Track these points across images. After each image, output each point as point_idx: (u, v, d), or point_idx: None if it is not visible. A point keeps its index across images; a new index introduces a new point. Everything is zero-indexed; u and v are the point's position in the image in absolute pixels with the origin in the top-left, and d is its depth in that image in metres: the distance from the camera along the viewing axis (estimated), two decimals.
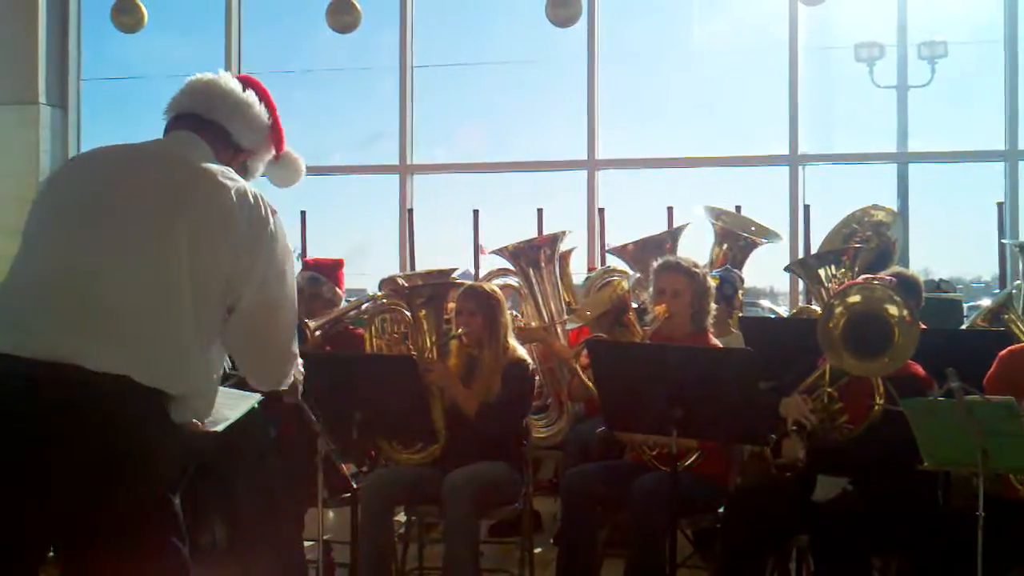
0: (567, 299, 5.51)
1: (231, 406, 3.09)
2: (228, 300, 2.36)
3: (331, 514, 4.76)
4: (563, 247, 5.69)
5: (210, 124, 2.48)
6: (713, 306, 4.24)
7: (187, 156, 2.39)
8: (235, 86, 2.55)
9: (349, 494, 3.75)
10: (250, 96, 2.55)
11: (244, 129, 2.53)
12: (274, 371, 2.58)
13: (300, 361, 2.66)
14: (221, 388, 2.99)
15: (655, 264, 4.30)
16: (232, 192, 2.32)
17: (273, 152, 2.65)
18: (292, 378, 2.63)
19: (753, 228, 5.95)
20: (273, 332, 2.47)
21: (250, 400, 3.19)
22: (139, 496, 2.21)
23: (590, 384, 4.37)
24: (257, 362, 2.55)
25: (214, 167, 2.38)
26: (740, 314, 5.03)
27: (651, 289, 4.27)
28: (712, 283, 4.24)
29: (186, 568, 2.30)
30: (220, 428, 2.93)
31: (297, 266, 6.63)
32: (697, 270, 4.20)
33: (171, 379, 2.25)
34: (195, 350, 2.31)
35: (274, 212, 2.40)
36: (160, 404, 2.25)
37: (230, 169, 2.42)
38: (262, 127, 2.58)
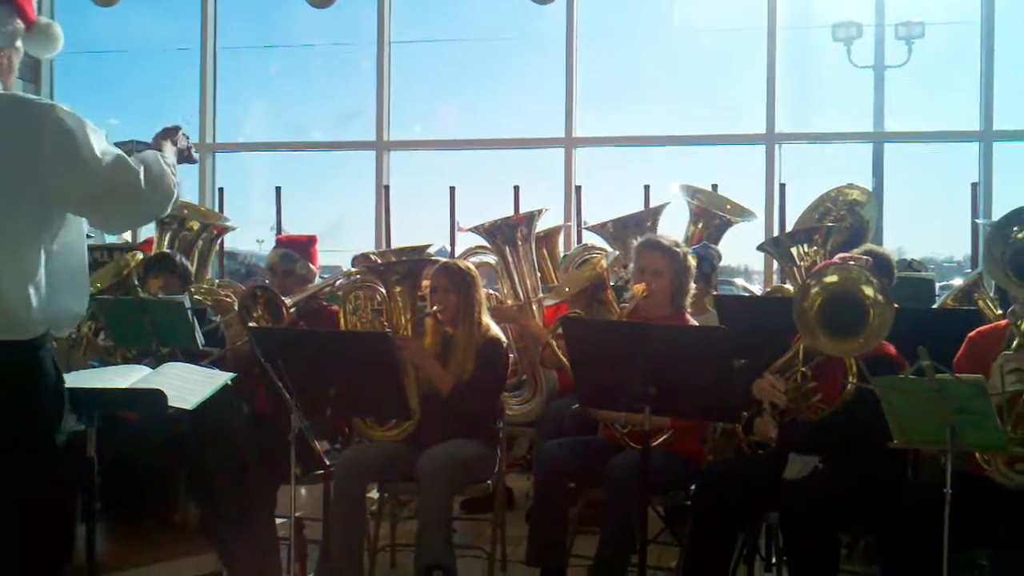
0: (551, 278, 5.52)
1: (202, 383, 3.08)
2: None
3: (303, 491, 4.76)
4: (547, 226, 5.70)
5: None
6: (692, 285, 4.25)
7: None
8: None
9: (322, 471, 3.75)
10: None
11: None
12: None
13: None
14: (192, 366, 3.00)
15: (636, 242, 4.29)
16: None
17: (20, 25, 2.53)
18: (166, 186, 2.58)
19: (728, 207, 5.97)
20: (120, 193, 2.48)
21: (222, 378, 3.18)
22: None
23: (562, 356, 4.38)
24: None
25: None
26: (715, 293, 5.05)
27: (631, 267, 4.27)
28: (692, 262, 4.24)
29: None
30: (191, 406, 2.92)
31: (271, 242, 6.63)
32: (678, 249, 4.20)
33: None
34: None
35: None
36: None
37: None
38: None
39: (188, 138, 2.89)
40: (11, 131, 2.37)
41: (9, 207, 2.35)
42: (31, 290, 2.36)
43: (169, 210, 2.67)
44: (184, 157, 2.86)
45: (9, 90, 2.49)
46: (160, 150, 2.72)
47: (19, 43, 2.53)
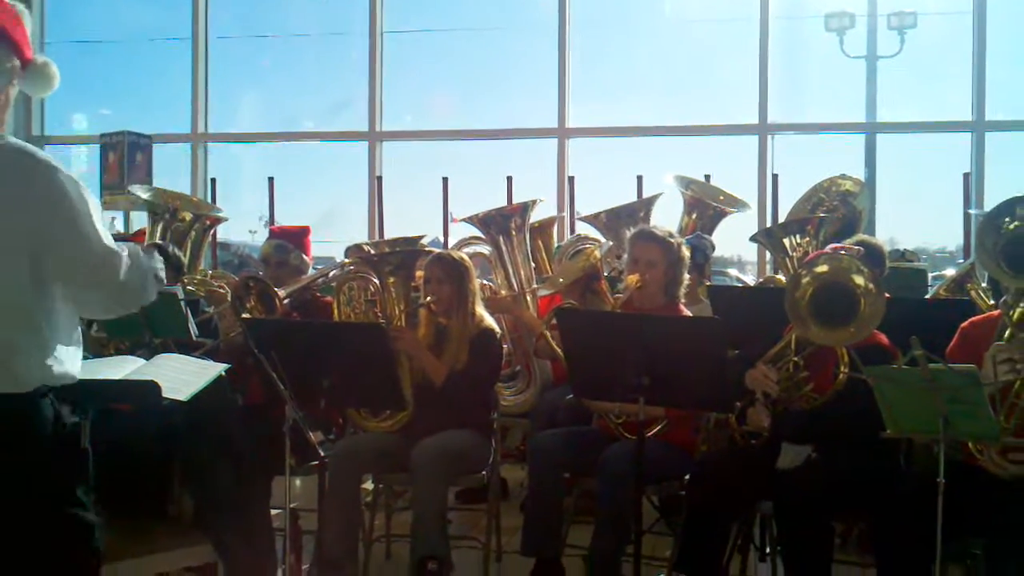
0: (546, 269, 5.52)
1: (196, 374, 3.08)
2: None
3: (298, 482, 4.76)
4: (540, 217, 5.70)
5: None
6: (686, 276, 4.25)
7: None
8: None
9: (317, 462, 3.75)
10: None
11: None
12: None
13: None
14: (186, 357, 3.00)
15: (631, 233, 4.29)
16: None
17: (17, 63, 2.50)
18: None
19: (722, 197, 5.98)
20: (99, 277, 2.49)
21: (216, 369, 3.18)
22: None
23: (556, 347, 4.39)
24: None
25: None
26: (709, 283, 5.05)
27: (624, 257, 4.27)
28: (686, 253, 4.24)
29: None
30: (186, 397, 2.92)
31: (263, 233, 6.61)
32: (672, 240, 4.20)
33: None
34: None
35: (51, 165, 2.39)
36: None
37: None
38: None
39: (179, 256, 2.99)
40: (12, 189, 2.36)
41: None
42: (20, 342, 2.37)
43: (134, 309, 2.71)
44: (175, 268, 2.94)
45: (4, 126, 2.48)
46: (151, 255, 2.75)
47: (16, 81, 2.52)
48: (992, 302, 4.35)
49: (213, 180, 7.63)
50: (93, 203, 2.47)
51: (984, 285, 4.58)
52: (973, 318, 3.57)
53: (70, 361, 2.47)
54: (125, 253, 2.55)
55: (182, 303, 4.28)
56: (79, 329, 2.57)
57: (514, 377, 5.07)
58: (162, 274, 2.77)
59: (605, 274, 4.99)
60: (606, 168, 8.69)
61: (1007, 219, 3.35)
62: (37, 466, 2.37)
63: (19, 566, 2.37)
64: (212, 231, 6.38)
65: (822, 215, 5.09)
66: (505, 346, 4.74)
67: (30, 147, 2.45)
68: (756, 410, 3.67)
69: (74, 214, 2.40)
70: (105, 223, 2.52)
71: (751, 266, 7.96)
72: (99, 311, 2.74)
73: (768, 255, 6.50)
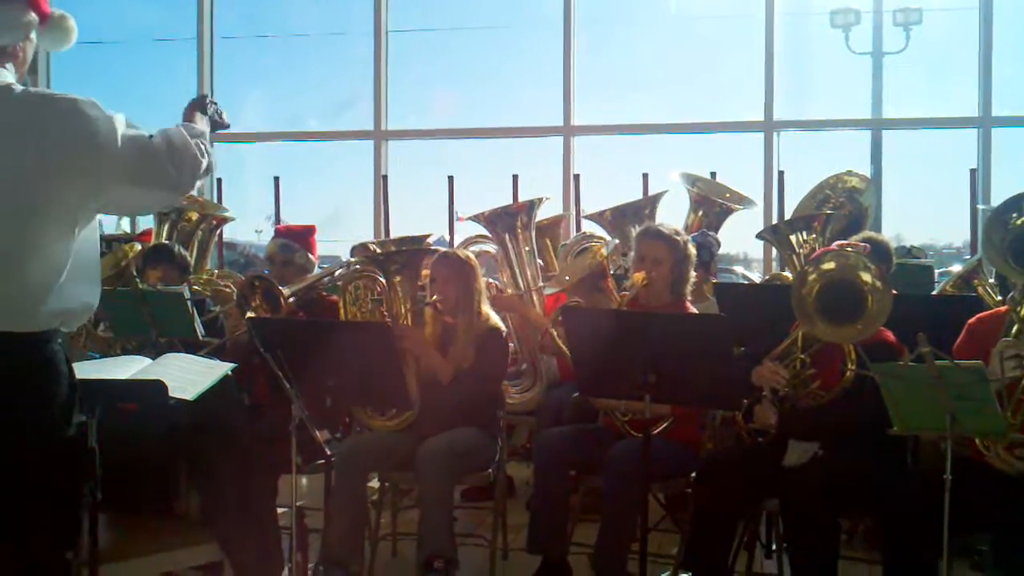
0: (553, 268, 5.52)
1: (203, 374, 3.09)
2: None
3: (304, 480, 4.76)
4: (546, 214, 5.69)
5: None
6: (692, 273, 4.25)
7: None
8: None
9: (323, 460, 3.75)
10: None
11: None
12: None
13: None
14: (192, 356, 3.01)
15: (637, 230, 4.29)
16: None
17: (34, 18, 2.54)
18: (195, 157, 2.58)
19: (728, 194, 5.97)
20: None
21: (222, 368, 3.18)
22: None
23: (562, 344, 4.38)
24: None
25: None
26: (715, 280, 5.05)
27: (631, 255, 4.27)
28: (692, 250, 4.23)
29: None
30: (192, 396, 2.93)
31: (269, 232, 6.62)
32: (679, 238, 4.19)
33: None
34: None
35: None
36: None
37: None
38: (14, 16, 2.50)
39: (216, 104, 2.89)
40: (34, 126, 2.38)
41: (38, 199, 2.37)
42: (53, 283, 2.38)
43: (199, 183, 2.66)
44: (216, 124, 2.86)
45: (22, 80, 2.50)
46: (191, 122, 2.72)
47: (33, 35, 2.54)
48: (999, 298, 4.35)
49: (219, 180, 7.63)
50: (118, 118, 2.48)
51: (991, 281, 4.57)
52: (980, 314, 3.56)
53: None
54: (163, 143, 2.53)
55: (188, 303, 4.30)
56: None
57: (520, 375, 5.06)
58: (205, 127, 2.74)
59: (611, 272, 4.99)
60: (612, 166, 8.70)
61: (1014, 215, 3.35)
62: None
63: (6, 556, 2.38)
64: (219, 231, 6.39)
65: (828, 212, 5.09)
66: (511, 344, 4.74)
67: (46, 91, 2.48)
68: (763, 407, 3.67)
69: (94, 129, 2.42)
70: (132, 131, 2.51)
71: (757, 263, 7.95)
72: (155, 202, 2.70)
73: (774, 252, 6.51)
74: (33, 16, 2.53)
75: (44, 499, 2.39)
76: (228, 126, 2.95)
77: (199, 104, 2.81)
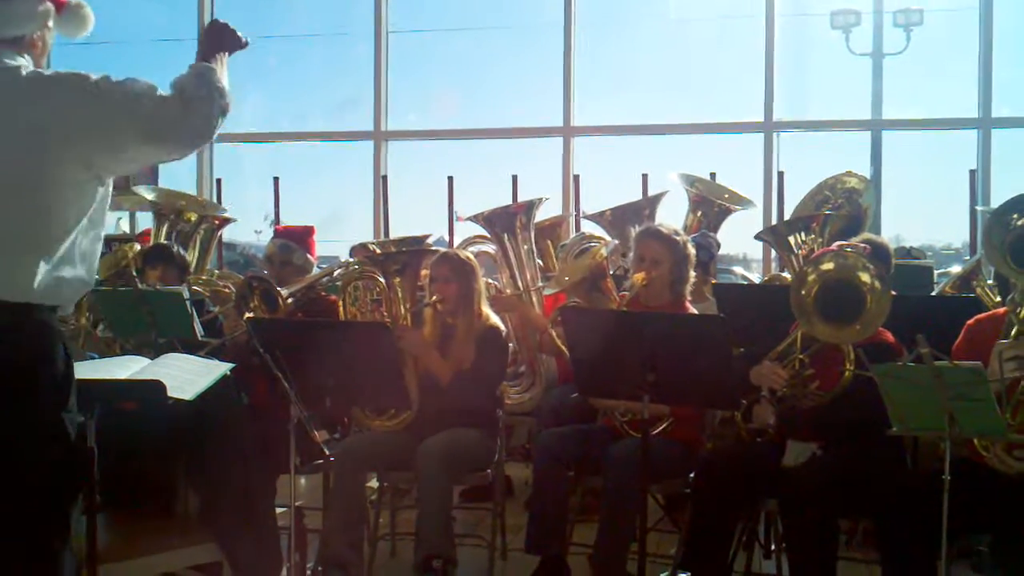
0: (551, 268, 5.52)
1: (202, 374, 3.08)
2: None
3: (303, 480, 4.76)
4: (545, 215, 5.69)
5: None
6: (692, 274, 4.25)
7: None
8: None
9: (322, 460, 3.74)
10: None
11: (12, 22, 2.48)
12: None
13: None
14: (191, 356, 3.00)
15: (636, 231, 4.29)
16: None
17: (50, 6, 2.55)
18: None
19: (727, 195, 5.97)
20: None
21: (221, 368, 3.18)
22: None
23: (561, 345, 4.38)
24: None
25: None
26: (714, 281, 5.05)
27: (630, 256, 4.27)
28: (692, 251, 4.23)
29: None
30: (191, 396, 2.92)
31: (268, 233, 6.61)
32: (678, 238, 4.20)
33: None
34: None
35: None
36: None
37: None
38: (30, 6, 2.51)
39: (229, 25, 2.88)
40: (32, 101, 2.40)
41: (43, 170, 2.37)
42: (45, 258, 2.38)
43: (219, 126, 2.66)
44: (237, 46, 2.86)
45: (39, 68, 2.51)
46: (207, 61, 2.72)
47: (51, 23, 2.55)
48: (998, 299, 4.35)
49: (219, 180, 7.64)
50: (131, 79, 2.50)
51: (990, 282, 4.57)
52: (979, 315, 3.56)
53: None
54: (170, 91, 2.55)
55: (187, 303, 4.30)
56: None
57: (519, 375, 5.07)
58: (222, 70, 2.76)
59: (611, 272, 4.99)
60: (611, 166, 8.69)
61: (1014, 215, 3.34)
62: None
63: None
64: (220, 231, 6.39)
65: (827, 212, 5.08)
66: (510, 344, 4.74)
67: (45, 72, 2.47)
68: (761, 407, 3.67)
69: (82, 82, 2.43)
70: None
71: (756, 264, 7.96)
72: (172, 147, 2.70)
73: (773, 253, 6.50)
74: (49, 5, 2.54)
75: (32, 489, 2.38)
76: (246, 44, 2.93)
77: (215, 39, 2.81)
